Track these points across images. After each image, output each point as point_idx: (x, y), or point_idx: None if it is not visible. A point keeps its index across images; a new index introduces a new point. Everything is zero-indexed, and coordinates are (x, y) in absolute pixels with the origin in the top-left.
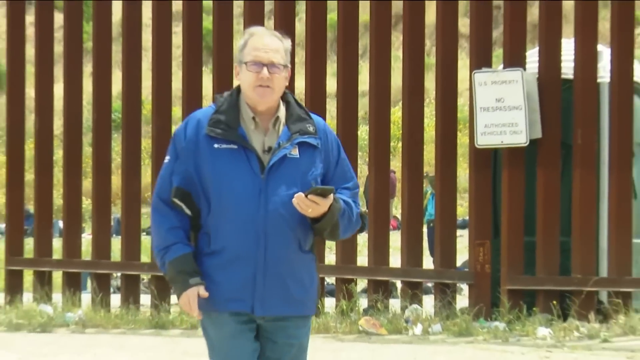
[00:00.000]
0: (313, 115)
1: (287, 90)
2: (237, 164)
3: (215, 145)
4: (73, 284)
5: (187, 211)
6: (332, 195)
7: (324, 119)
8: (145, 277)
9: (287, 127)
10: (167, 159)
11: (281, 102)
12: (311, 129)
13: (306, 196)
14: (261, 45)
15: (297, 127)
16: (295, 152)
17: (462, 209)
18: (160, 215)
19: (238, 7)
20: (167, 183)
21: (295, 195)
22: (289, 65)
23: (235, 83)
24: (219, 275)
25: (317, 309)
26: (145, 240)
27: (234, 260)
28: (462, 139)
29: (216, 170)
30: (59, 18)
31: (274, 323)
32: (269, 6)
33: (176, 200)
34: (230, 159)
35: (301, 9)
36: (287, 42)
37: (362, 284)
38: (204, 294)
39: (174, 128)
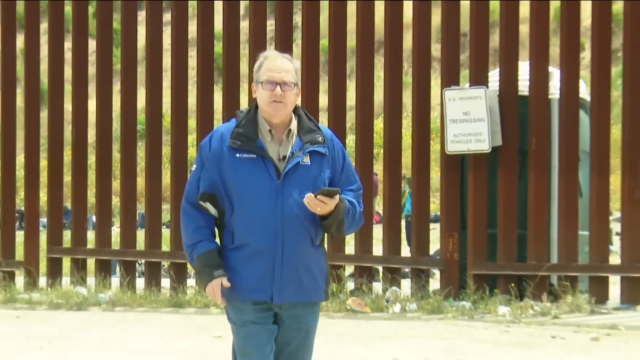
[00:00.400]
0: (321, 127)
1: (298, 105)
2: (257, 171)
3: (237, 155)
4: (104, 269)
5: (213, 212)
6: (338, 195)
7: None
8: (165, 263)
9: (299, 137)
10: (194, 167)
11: (293, 115)
12: (320, 139)
13: (315, 196)
14: (274, 67)
15: (307, 137)
16: (307, 160)
17: (434, 205)
18: (188, 217)
19: (244, 34)
20: (194, 188)
21: (306, 195)
22: (299, 84)
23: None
24: (242, 268)
25: (327, 295)
26: (165, 233)
27: (255, 255)
28: (435, 146)
29: (238, 177)
30: (92, 44)
31: (288, 311)
32: (270, 34)
33: (202, 203)
34: (250, 166)
35: (298, 35)
36: (297, 63)
37: (349, 269)
38: (227, 284)
39: (189, 137)
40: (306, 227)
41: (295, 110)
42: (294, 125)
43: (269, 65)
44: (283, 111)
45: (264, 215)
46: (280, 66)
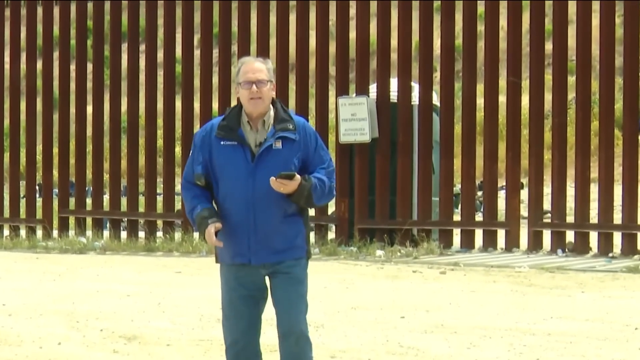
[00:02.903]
0: (295, 116)
1: (276, 99)
2: (236, 155)
3: (222, 143)
4: (98, 225)
5: (204, 186)
6: (298, 177)
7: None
8: (141, 220)
9: (273, 126)
10: (191, 152)
11: (271, 107)
12: (290, 126)
13: (276, 179)
14: (249, 69)
15: (280, 126)
16: (278, 145)
17: None
18: (186, 190)
19: (197, 58)
20: (190, 169)
21: (270, 178)
22: (273, 80)
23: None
24: (226, 236)
25: (308, 253)
26: (141, 199)
27: (234, 225)
28: (331, 138)
29: (220, 160)
30: (90, 66)
31: (272, 267)
32: (214, 59)
33: (197, 181)
34: (231, 152)
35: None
36: (269, 63)
37: None
38: (219, 226)
39: (159, 132)
40: (277, 201)
41: (273, 104)
42: (268, 116)
43: (245, 68)
44: (261, 105)
45: (239, 192)
46: (255, 68)
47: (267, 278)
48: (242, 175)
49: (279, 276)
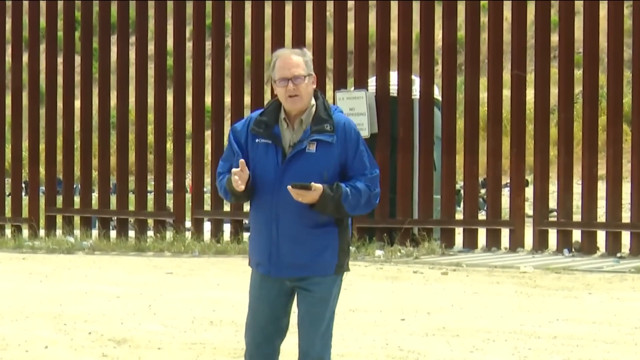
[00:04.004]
0: (336, 114)
1: (320, 94)
2: (268, 156)
3: (256, 140)
4: (86, 223)
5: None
6: (318, 187)
7: None
8: (131, 219)
9: (309, 127)
10: (226, 147)
11: (314, 101)
12: (328, 127)
13: (292, 188)
14: (284, 64)
15: (316, 127)
16: (312, 148)
17: None
18: (218, 179)
19: (189, 51)
20: (223, 162)
21: (287, 187)
22: (312, 73)
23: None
24: (252, 240)
25: (339, 269)
26: (132, 197)
27: (258, 231)
28: None
29: (253, 160)
30: (77, 59)
31: (297, 282)
32: (207, 51)
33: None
34: (264, 151)
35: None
36: (307, 55)
37: None
38: (242, 160)
39: (149, 127)
40: (305, 209)
41: (316, 97)
42: (308, 113)
43: (280, 64)
44: (300, 103)
45: (264, 197)
46: (291, 62)
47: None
48: (269, 178)
49: (302, 293)
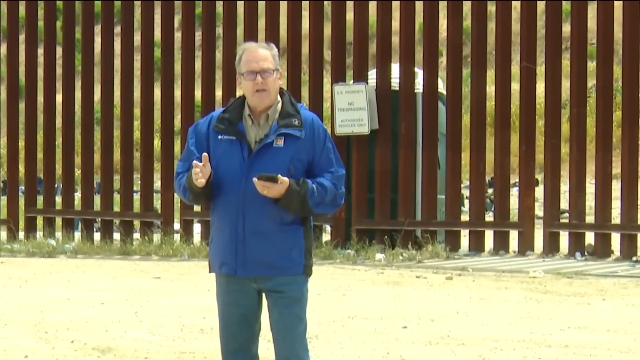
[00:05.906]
0: (304, 111)
1: (285, 91)
2: (232, 152)
3: (219, 137)
4: (69, 225)
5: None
6: (284, 180)
7: None
8: (116, 221)
9: (276, 122)
10: (186, 146)
11: (279, 98)
12: (296, 122)
13: (257, 179)
14: (252, 57)
15: (284, 122)
16: (279, 142)
17: None
18: (175, 179)
19: (178, 42)
20: (181, 162)
21: (252, 178)
22: (279, 68)
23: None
24: (214, 240)
25: (307, 270)
26: (117, 197)
27: (222, 229)
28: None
29: (216, 156)
30: (59, 50)
31: (264, 283)
32: (197, 42)
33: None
34: (228, 148)
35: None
36: (274, 49)
37: None
38: (205, 155)
39: (135, 123)
40: (272, 206)
41: (281, 95)
42: (274, 109)
43: (247, 57)
44: (267, 98)
45: (229, 192)
46: (258, 56)
47: (263, 295)
48: (235, 174)
49: (273, 295)
